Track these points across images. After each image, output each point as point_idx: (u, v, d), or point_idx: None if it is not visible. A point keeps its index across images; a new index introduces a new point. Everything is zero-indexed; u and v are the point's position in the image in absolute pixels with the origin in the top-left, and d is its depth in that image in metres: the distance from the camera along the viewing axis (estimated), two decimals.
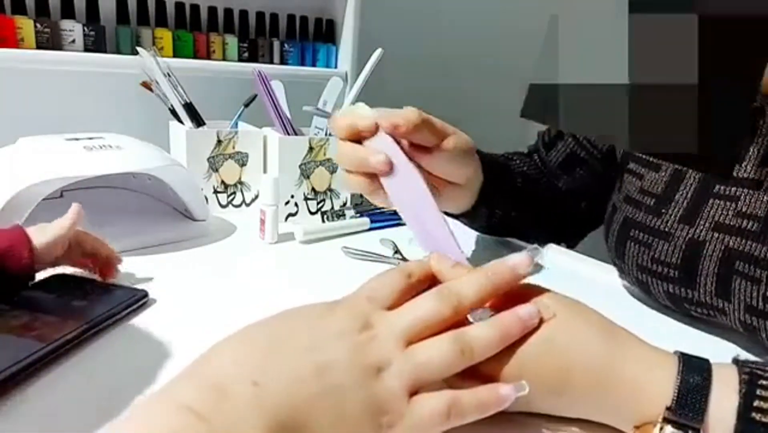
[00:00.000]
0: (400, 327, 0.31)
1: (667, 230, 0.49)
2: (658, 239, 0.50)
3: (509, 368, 0.32)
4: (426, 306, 0.32)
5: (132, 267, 0.55)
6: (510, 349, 0.32)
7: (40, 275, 0.47)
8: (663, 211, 0.50)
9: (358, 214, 0.76)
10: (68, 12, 0.85)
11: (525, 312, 0.32)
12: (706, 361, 0.32)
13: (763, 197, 0.44)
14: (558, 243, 0.69)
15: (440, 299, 0.32)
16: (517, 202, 0.60)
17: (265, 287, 0.54)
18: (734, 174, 0.46)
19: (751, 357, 0.42)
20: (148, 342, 0.42)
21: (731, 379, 0.30)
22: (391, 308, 0.33)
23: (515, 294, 0.34)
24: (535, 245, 0.35)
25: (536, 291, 0.35)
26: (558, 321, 0.33)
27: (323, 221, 0.75)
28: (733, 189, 0.46)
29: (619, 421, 0.32)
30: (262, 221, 0.65)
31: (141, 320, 0.45)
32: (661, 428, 0.29)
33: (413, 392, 0.30)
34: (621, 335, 0.34)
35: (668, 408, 0.29)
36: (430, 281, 0.36)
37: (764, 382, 0.29)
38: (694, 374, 0.30)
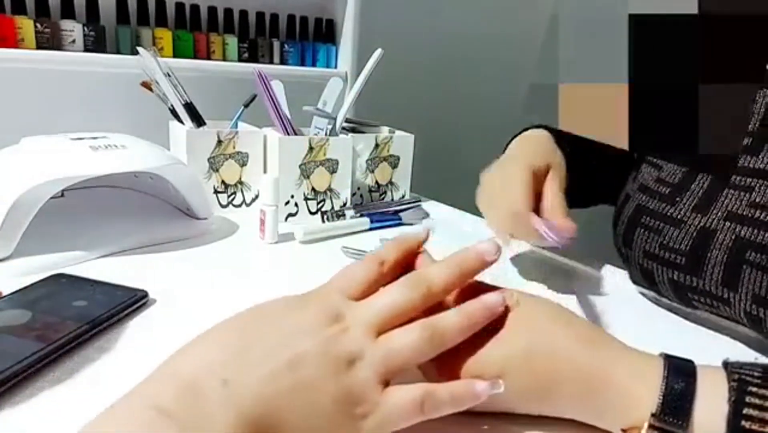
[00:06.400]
0: (369, 318, 0.31)
1: (679, 217, 0.50)
2: (669, 225, 0.50)
3: (492, 377, 0.32)
4: (395, 295, 0.32)
5: (132, 266, 0.55)
6: (492, 357, 0.32)
7: (39, 276, 0.47)
8: (677, 199, 0.50)
9: (358, 214, 0.76)
10: (68, 12, 0.85)
11: (490, 299, 0.33)
12: (691, 364, 0.31)
13: None
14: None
15: (409, 287, 0.33)
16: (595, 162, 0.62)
17: (264, 286, 0.54)
18: (751, 165, 0.46)
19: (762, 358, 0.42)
20: (148, 342, 0.42)
21: (719, 385, 0.30)
22: (362, 297, 0.33)
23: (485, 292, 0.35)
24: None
25: (507, 290, 0.35)
26: (538, 326, 0.33)
27: (323, 220, 0.75)
28: (749, 179, 0.46)
29: (606, 424, 0.32)
30: (262, 221, 0.65)
31: (141, 320, 0.45)
32: None
33: (386, 382, 0.30)
34: (601, 337, 0.34)
35: (653, 415, 0.29)
36: (405, 265, 0.36)
37: (753, 389, 0.29)
38: (679, 379, 0.30)
